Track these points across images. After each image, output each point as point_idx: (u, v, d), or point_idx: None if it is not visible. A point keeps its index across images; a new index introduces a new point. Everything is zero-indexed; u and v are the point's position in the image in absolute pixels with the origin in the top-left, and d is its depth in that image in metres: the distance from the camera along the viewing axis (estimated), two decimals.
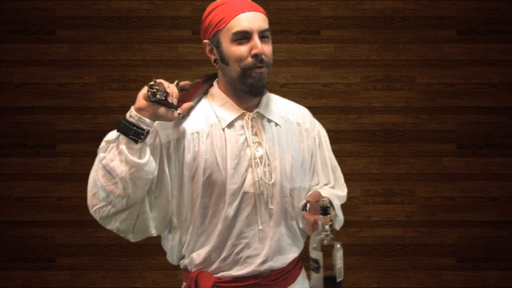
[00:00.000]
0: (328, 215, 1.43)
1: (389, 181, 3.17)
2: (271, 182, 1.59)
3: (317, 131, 1.75)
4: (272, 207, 1.60)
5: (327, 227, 1.44)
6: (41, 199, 3.15)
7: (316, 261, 1.44)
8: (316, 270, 1.44)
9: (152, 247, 3.12)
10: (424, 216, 3.17)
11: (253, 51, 1.53)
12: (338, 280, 1.47)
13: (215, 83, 1.67)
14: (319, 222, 1.43)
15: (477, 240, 3.17)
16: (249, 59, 1.54)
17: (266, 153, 1.60)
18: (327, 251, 1.44)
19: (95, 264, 3.16)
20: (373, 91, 3.16)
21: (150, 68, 3.13)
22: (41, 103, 3.14)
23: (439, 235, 3.17)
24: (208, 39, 1.61)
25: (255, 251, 1.60)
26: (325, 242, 1.44)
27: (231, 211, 1.57)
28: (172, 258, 1.69)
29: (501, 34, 3.15)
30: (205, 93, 1.68)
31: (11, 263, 3.15)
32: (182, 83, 1.58)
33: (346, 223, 3.12)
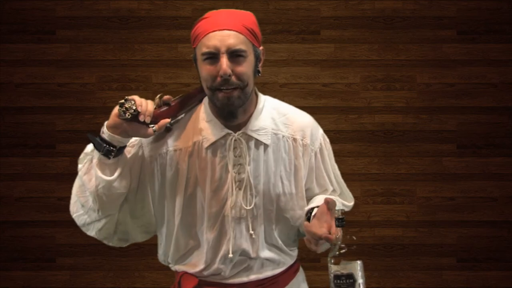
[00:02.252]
0: (344, 226, 1.34)
1: (389, 181, 3.17)
2: (249, 208, 1.54)
3: (318, 145, 1.65)
4: (253, 231, 1.56)
5: (348, 238, 1.35)
6: (41, 199, 3.15)
7: (350, 276, 1.31)
8: (351, 285, 1.31)
9: (152, 247, 3.10)
10: (424, 216, 3.17)
11: (219, 72, 1.46)
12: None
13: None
14: (339, 235, 1.33)
15: (477, 240, 3.17)
16: (218, 80, 1.47)
17: (248, 177, 1.54)
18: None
19: (95, 264, 3.16)
20: (373, 91, 3.16)
21: (150, 68, 3.13)
22: (41, 103, 3.14)
23: (439, 235, 3.17)
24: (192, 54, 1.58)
25: (241, 268, 1.58)
26: (355, 252, 1.35)
27: (212, 234, 1.55)
28: (159, 258, 1.71)
29: (501, 34, 3.15)
30: (199, 102, 1.62)
31: (11, 263, 3.15)
32: (165, 97, 1.54)
33: (346, 223, 3.13)
